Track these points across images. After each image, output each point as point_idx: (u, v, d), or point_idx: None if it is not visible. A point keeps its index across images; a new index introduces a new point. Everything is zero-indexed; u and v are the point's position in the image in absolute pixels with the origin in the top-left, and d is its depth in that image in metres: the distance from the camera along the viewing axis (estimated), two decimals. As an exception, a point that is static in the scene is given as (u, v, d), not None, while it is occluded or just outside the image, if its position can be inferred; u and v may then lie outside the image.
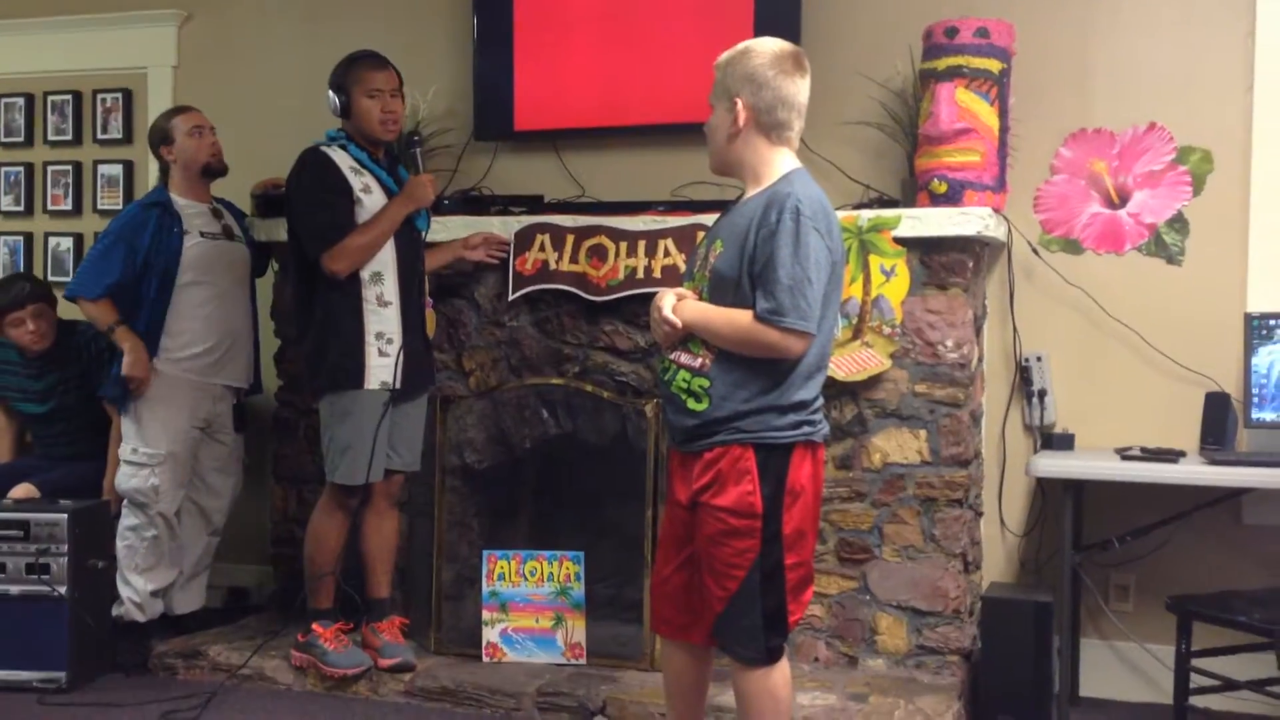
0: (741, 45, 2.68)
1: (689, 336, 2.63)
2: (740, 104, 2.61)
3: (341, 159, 3.69)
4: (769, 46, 2.66)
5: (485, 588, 3.92)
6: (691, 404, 2.59)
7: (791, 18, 3.98)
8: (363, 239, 3.61)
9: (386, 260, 3.67)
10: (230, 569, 4.66)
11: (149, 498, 4.03)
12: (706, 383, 2.58)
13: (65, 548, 3.83)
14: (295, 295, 3.77)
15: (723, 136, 2.65)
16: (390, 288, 3.67)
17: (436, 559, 4.01)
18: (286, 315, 4.26)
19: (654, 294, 2.75)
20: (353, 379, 3.62)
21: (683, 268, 3.45)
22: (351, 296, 3.62)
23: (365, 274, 3.63)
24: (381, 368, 3.64)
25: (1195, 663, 3.40)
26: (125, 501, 4.09)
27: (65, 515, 3.85)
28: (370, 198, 3.67)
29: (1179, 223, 3.84)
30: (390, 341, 3.65)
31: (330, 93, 3.73)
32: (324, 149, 3.71)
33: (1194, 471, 3.44)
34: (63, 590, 3.81)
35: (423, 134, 4.27)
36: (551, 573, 3.90)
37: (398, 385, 3.65)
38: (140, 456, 4.03)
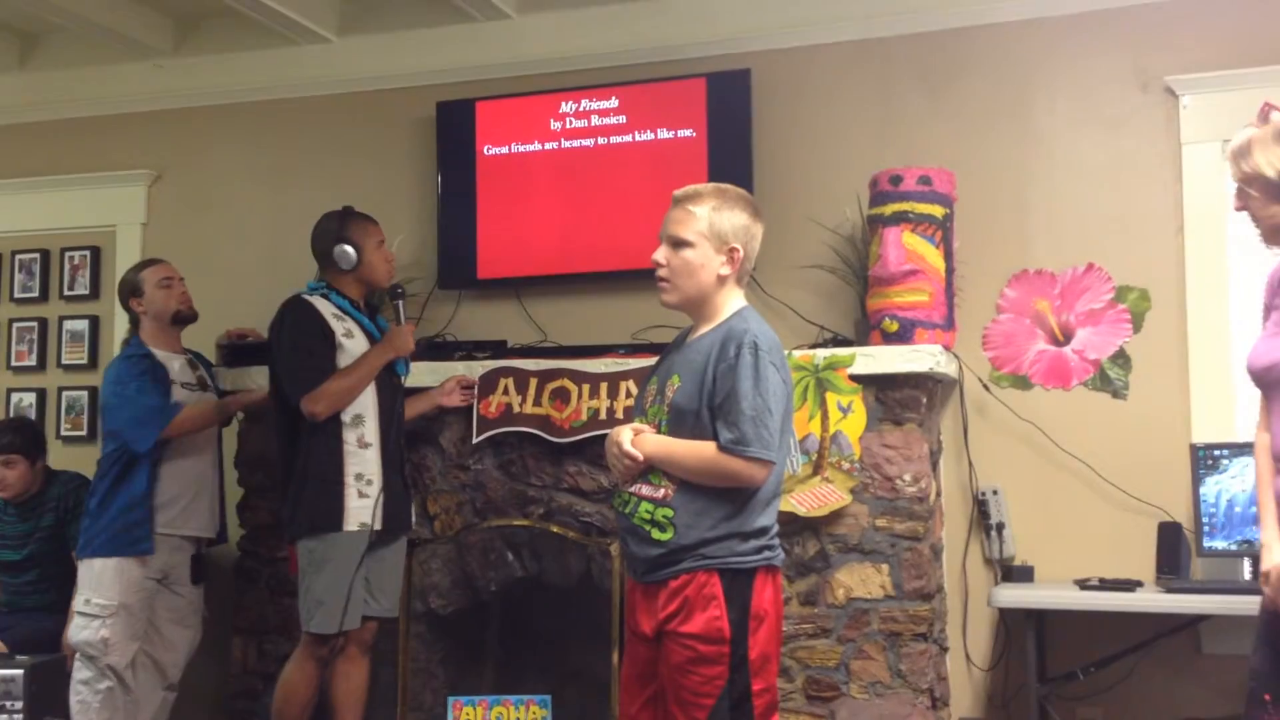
0: (719, 188, 2.78)
1: (649, 469, 2.67)
2: (739, 254, 2.71)
3: (324, 307, 3.76)
4: (747, 196, 2.79)
5: (450, 736, 3.86)
6: (656, 534, 2.62)
7: (744, 168, 4.15)
8: (343, 383, 3.66)
9: (367, 404, 3.71)
10: (186, 727, 4.55)
11: (99, 650, 3.94)
12: (671, 512, 2.61)
13: (20, 704, 3.76)
14: (279, 441, 3.78)
15: (708, 276, 2.71)
16: (371, 430, 3.70)
17: (401, 708, 3.96)
18: (254, 463, 4.28)
19: (616, 434, 2.80)
20: (331, 521, 3.61)
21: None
22: (332, 439, 3.65)
23: (346, 417, 3.67)
24: (361, 509, 3.64)
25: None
26: (78, 654, 4.00)
27: (21, 671, 3.79)
28: (352, 342, 3.74)
29: (1121, 358, 3.97)
30: (370, 483, 3.67)
31: (343, 246, 3.78)
32: (306, 297, 3.79)
33: (1152, 599, 3.51)
34: (16, 749, 3.73)
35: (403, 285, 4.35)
36: (519, 718, 3.85)
37: (377, 526, 3.65)
38: (92, 608, 3.96)
